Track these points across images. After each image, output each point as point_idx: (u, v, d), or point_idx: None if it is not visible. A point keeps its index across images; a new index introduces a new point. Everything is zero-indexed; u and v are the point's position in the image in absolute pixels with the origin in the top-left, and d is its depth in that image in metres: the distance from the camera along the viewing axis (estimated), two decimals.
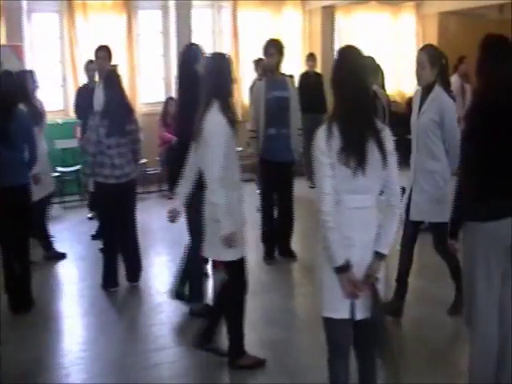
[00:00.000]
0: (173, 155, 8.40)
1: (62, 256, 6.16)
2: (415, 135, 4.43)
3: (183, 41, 8.92)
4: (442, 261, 4.55)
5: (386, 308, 2.87)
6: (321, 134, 2.70)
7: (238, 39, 10.01)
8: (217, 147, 3.50)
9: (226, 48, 10.06)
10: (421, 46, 11.93)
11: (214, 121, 3.54)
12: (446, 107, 4.27)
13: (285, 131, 5.70)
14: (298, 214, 6.01)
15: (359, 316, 2.79)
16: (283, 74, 5.90)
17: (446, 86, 4.47)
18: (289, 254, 6.03)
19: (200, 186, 3.71)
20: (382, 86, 6.75)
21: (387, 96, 6.81)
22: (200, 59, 4.40)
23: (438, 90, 4.31)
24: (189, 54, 4.55)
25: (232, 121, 3.60)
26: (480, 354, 3.31)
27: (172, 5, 9.34)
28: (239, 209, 3.70)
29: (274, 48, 5.70)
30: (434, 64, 4.28)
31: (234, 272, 3.79)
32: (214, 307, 4.07)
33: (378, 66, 5.87)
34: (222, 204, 3.51)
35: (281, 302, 5.01)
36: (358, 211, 2.72)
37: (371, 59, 5.42)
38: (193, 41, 8.87)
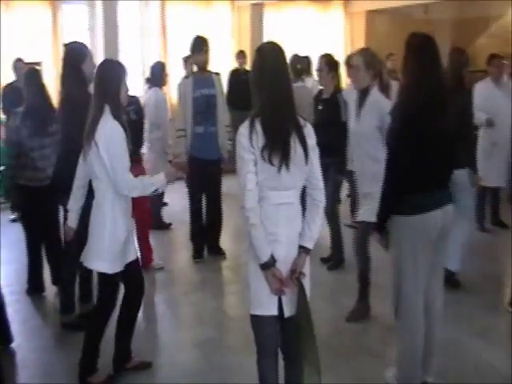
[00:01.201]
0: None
1: None
2: (355, 140, 4.41)
3: (110, 37, 8.78)
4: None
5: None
6: (243, 130, 2.69)
7: (166, 35, 9.88)
8: (121, 152, 3.42)
9: (154, 44, 9.93)
10: (349, 43, 12.21)
11: (108, 126, 3.41)
12: (385, 111, 4.07)
13: (213, 129, 5.69)
14: (226, 211, 6.00)
15: (288, 313, 2.80)
16: (210, 71, 5.88)
17: (384, 88, 4.44)
18: (218, 252, 6.02)
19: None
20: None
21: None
22: (86, 58, 4.29)
23: (375, 93, 4.27)
24: (74, 53, 4.35)
25: (123, 126, 3.51)
26: (408, 345, 3.43)
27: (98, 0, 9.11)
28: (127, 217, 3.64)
29: (207, 45, 5.68)
30: (370, 67, 4.24)
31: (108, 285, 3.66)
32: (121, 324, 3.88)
33: (337, 62, 5.90)
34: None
35: (210, 301, 4.99)
36: (282, 207, 2.73)
37: (330, 56, 5.46)
38: (119, 37, 8.79)
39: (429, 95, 3.21)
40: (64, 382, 3.78)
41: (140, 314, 4.85)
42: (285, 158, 2.64)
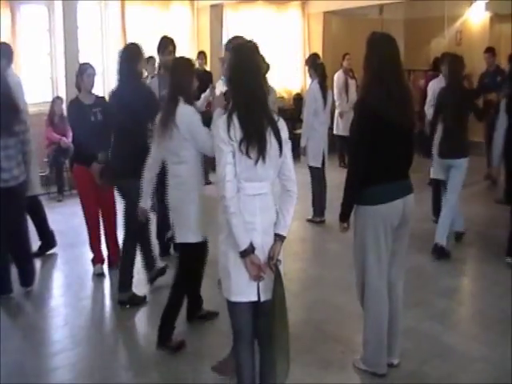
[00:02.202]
0: (63, 155, 8.29)
1: None
2: None
3: (70, 38, 8.71)
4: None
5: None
6: (221, 124, 2.82)
7: (126, 36, 9.84)
8: (200, 128, 3.84)
9: (114, 45, 9.90)
10: (307, 43, 12.35)
11: (185, 111, 3.84)
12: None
13: None
14: None
15: (263, 297, 2.92)
16: None
17: None
18: None
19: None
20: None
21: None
22: (140, 59, 4.77)
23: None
24: (129, 54, 4.79)
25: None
26: (373, 329, 3.60)
27: (58, 1, 9.02)
28: None
29: (173, 46, 5.70)
30: None
31: (193, 254, 4.07)
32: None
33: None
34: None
35: None
36: (257, 197, 2.87)
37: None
38: (78, 38, 8.76)
39: (389, 91, 3.38)
40: (37, 379, 3.82)
41: (109, 313, 4.97)
42: (261, 151, 2.78)
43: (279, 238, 2.94)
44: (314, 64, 7.01)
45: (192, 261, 4.11)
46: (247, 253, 2.84)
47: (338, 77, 10.13)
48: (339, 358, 3.94)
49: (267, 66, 5.97)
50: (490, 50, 9.07)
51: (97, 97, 5.46)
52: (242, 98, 2.83)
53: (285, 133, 2.90)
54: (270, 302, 2.89)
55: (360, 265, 3.61)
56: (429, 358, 3.92)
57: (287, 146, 2.91)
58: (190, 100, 3.95)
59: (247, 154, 2.77)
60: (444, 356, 3.94)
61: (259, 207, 2.88)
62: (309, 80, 7.46)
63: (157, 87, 5.64)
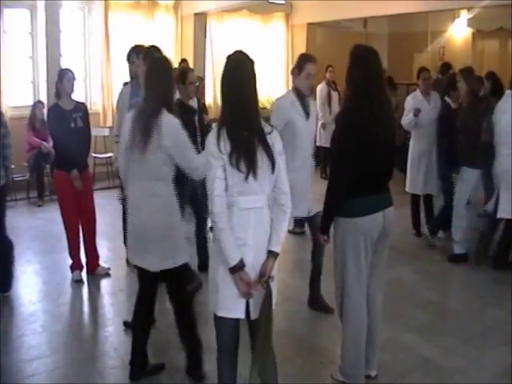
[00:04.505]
0: (43, 160, 8.23)
1: None
2: None
3: (52, 42, 8.66)
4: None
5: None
6: (211, 137, 2.77)
7: (109, 42, 9.82)
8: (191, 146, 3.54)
9: (96, 51, 9.86)
10: (291, 54, 12.41)
11: (174, 122, 3.46)
12: None
13: None
14: None
15: (254, 316, 2.85)
16: None
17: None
18: None
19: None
20: None
21: None
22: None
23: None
24: None
25: None
26: (352, 340, 3.60)
27: (40, 4, 8.99)
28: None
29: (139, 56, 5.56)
30: None
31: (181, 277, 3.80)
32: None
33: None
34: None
35: (157, 304, 4.99)
36: (251, 212, 2.79)
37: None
38: (60, 42, 8.69)
39: (371, 104, 3.39)
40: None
41: (88, 320, 4.92)
42: (252, 166, 2.71)
43: (272, 254, 2.84)
44: None
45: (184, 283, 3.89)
46: (236, 269, 2.76)
47: (320, 89, 10.19)
48: (318, 369, 3.95)
49: None
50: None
51: (77, 102, 5.42)
52: (228, 111, 2.77)
53: (278, 145, 2.83)
54: (257, 319, 2.82)
55: (340, 277, 3.61)
56: (407, 370, 3.93)
57: (281, 158, 2.83)
58: (172, 108, 3.54)
59: (237, 167, 2.70)
60: (422, 368, 3.96)
61: (253, 222, 2.79)
62: None
63: (128, 95, 5.44)
